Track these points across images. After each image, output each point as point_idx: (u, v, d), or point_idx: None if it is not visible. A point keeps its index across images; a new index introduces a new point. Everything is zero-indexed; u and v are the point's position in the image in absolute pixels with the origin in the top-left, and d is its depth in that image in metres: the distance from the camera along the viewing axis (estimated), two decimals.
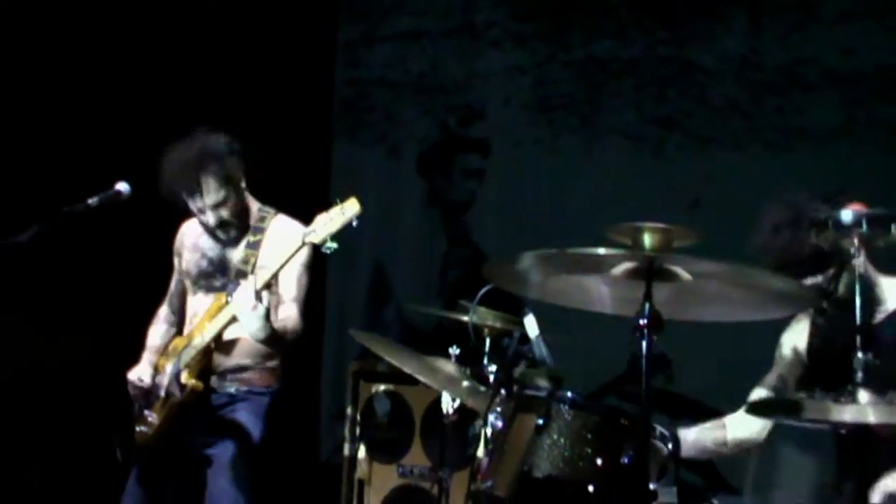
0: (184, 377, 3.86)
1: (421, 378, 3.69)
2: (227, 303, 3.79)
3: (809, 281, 3.25)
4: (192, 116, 4.42)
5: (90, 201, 3.81)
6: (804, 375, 3.47)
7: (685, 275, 2.62)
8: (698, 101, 5.35)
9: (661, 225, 2.55)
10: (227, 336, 3.87)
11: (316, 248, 3.68)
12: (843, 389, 2.71)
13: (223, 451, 3.92)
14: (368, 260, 6.16)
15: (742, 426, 3.51)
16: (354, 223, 3.60)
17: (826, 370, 3.35)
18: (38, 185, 4.83)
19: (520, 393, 2.85)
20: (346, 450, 5.13)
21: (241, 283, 3.72)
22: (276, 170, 4.74)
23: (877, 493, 3.11)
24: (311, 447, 5.94)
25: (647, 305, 2.54)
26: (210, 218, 3.96)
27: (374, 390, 5.02)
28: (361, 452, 5.03)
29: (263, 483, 4.05)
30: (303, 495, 5.50)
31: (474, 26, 5.96)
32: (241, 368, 3.99)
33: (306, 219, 3.76)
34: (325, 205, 5.60)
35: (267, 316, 3.71)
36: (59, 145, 5.11)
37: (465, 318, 3.73)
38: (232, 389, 3.98)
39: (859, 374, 2.70)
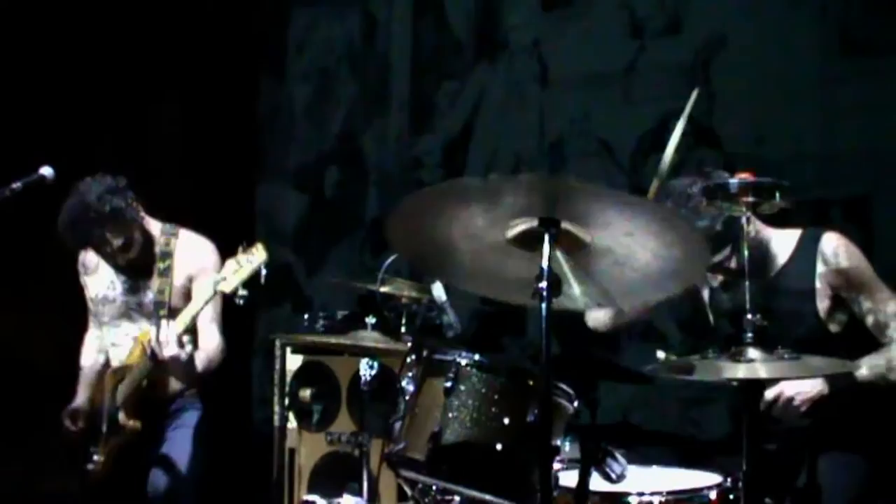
0: (122, 418, 3.81)
1: (357, 347, 3.66)
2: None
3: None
4: (115, 96, 4.32)
5: (14, 186, 3.73)
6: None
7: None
8: None
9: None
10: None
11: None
12: (734, 349, 2.71)
13: (160, 476, 3.88)
14: (296, 232, 6.11)
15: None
16: (263, 271, 3.52)
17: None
18: None
19: (428, 357, 2.81)
20: (276, 420, 5.09)
21: (161, 329, 3.64)
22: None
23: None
24: (244, 419, 5.88)
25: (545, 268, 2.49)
26: (119, 260, 3.94)
27: (301, 361, 4.98)
28: (291, 422, 4.99)
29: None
30: (236, 466, 5.44)
31: None
32: (176, 396, 3.99)
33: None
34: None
35: (191, 360, 3.68)
36: None
37: (382, 289, 3.69)
38: (169, 408, 3.98)
39: (748, 335, 2.71)
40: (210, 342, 3.87)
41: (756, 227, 3.31)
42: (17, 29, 5.08)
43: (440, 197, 2.57)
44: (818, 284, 3.31)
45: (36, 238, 4.86)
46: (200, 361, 3.80)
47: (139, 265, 3.96)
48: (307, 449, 4.90)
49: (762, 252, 3.35)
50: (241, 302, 3.55)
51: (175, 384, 3.95)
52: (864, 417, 3.27)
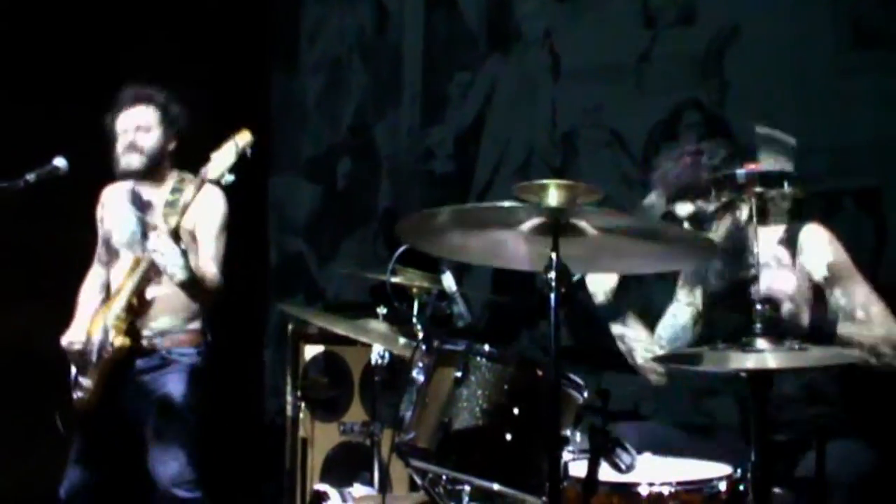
0: (111, 336, 3.82)
1: (359, 337, 3.68)
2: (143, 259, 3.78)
3: (691, 207, 3.31)
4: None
5: (28, 177, 3.76)
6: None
7: (591, 230, 2.61)
8: None
9: (565, 182, 2.53)
10: (149, 295, 3.87)
11: (223, 188, 3.80)
12: (742, 340, 2.71)
13: (158, 417, 3.90)
14: (308, 223, 6.13)
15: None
16: (248, 152, 3.71)
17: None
18: None
19: (439, 347, 2.83)
20: (289, 410, 5.11)
21: (155, 230, 3.72)
22: None
23: None
24: (257, 409, 5.91)
25: (554, 258, 2.51)
26: (127, 137, 4.00)
27: (314, 351, 5.00)
28: (303, 412, 5.01)
29: (207, 442, 4.02)
30: (249, 456, 5.47)
31: None
32: (167, 331, 3.95)
33: None
34: None
35: (185, 255, 3.70)
36: None
37: (392, 280, 3.70)
38: (162, 352, 3.95)
39: (758, 326, 2.71)
40: (207, 273, 3.89)
41: (743, 217, 3.33)
42: (28, 22, 5.11)
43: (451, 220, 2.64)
44: (798, 278, 3.30)
45: (47, 230, 4.92)
46: (196, 268, 3.83)
47: (132, 160, 4.01)
48: (320, 439, 4.92)
49: (741, 237, 3.32)
50: (227, 183, 3.74)
51: (165, 316, 3.95)
52: (870, 405, 3.27)
